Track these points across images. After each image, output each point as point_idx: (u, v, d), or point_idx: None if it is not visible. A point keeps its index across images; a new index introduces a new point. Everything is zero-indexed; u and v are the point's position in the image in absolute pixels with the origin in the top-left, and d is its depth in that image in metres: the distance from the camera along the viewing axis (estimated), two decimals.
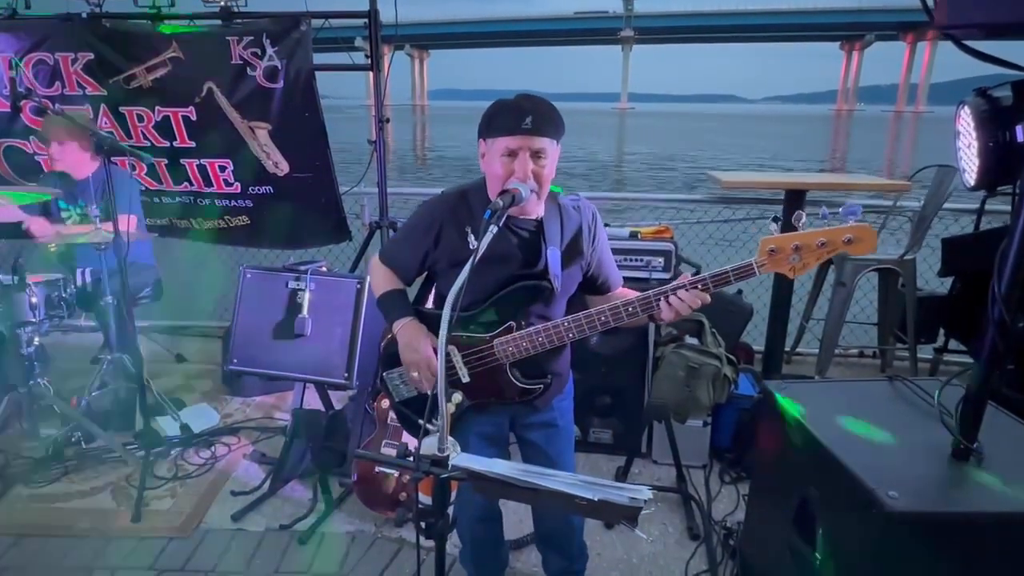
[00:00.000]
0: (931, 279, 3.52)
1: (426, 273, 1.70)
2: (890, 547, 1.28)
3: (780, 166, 21.23)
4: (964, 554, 1.29)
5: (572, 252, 1.59)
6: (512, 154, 1.43)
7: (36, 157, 3.46)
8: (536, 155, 1.43)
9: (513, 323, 1.55)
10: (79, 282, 2.91)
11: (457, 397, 1.62)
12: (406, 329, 1.62)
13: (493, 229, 1.31)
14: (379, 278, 1.70)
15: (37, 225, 2.84)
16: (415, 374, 1.60)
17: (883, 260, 3.16)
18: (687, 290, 1.42)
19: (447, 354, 1.55)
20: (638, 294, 1.50)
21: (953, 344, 3.40)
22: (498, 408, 1.67)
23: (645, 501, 1.00)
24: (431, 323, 1.60)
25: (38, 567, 2.15)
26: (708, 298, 1.43)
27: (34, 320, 2.66)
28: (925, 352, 3.49)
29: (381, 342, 1.75)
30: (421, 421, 1.31)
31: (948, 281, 3.29)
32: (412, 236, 1.62)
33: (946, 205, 3.16)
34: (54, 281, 2.79)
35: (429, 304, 1.70)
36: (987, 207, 3.19)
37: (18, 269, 2.64)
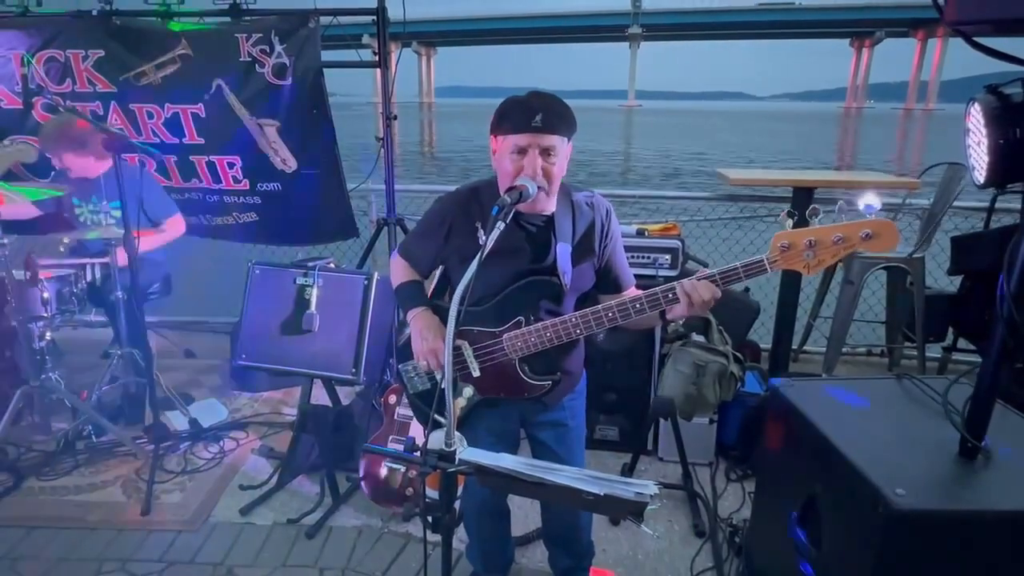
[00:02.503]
0: (940, 277, 3.50)
1: (443, 267, 1.72)
2: (896, 545, 1.28)
3: (788, 163, 21.11)
4: (971, 552, 1.28)
5: (583, 248, 1.59)
6: (522, 151, 1.44)
7: (47, 153, 3.49)
8: (546, 152, 1.44)
9: (522, 318, 1.56)
10: (90, 278, 2.94)
11: (468, 391, 1.63)
12: (419, 319, 1.64)
13: (500, 225, 1.32)
14: (397, 271, 1.74)
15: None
16: (423, 362, 1.62)
17: (891, 258, 3.15)
18: (695, 285, 1.41)
19: (459, 347, 1.57)
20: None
21: (962, 343, 3.38)
22: (508, 404, 1.68)
23: (651, 496, 1.00)
24: (446, 317, 1.62)
25: (49, 558, 2.17)
26: (719, 293, 1.41)
27: (45, 315, 2.69)
28: (934, 351, 3.47)
29: (397, 338, 1.77)
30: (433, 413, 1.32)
31: (957, 279, 3.27)
32: (426, 231, 1.66)
33: (956, 203, 3.13)
34: (65, 277, 2.82)
35: (446, 298, 1.72)
36: (997, 205, 3.17)
37: (30, 264, 2.67)
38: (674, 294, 1.43)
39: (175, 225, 3.08)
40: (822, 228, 1.33)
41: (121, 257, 2.83)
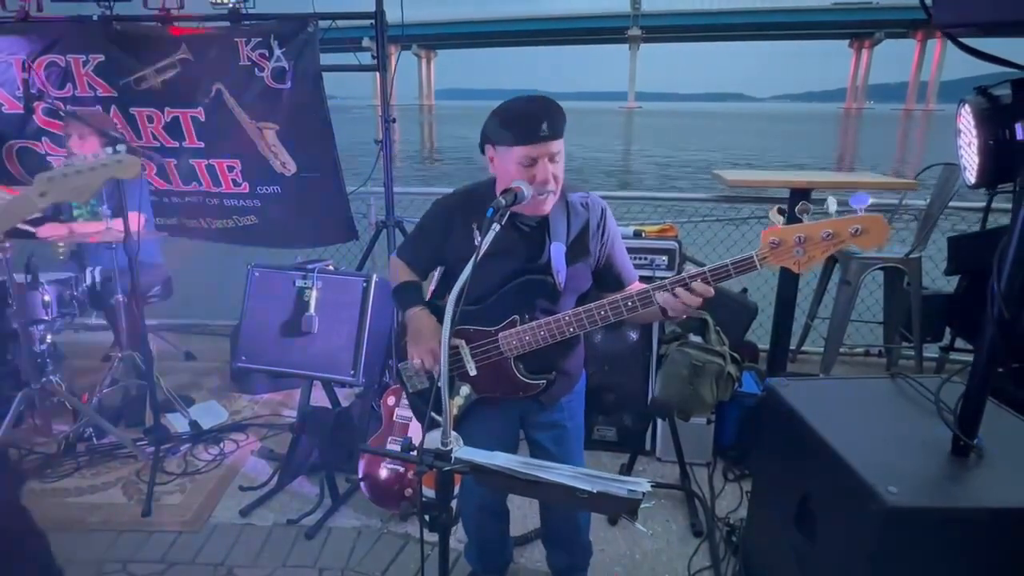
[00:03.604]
0: (937, 277, 3.51)
1: (443, 268, 1.74)
2: (890, 542, 1.29)
3: (788, 165, 21.12)
4: (963, 549, 1.30)
5: (578, 248, 1.60)
6: (532, 161, 1.45)
7: (48, 158, 3.51)
8: (553, 158, 1.46)
9: (517, 317, 1.57)
10: (90, 281, 2.96)
11: (465, 390, 1.64)
12: (415, 318, 1.66)
13: (496, 227, 1.33)
14: (396, 272, 1.76)
15: (47, 230, 2.88)
16: (417, 361, 1.63)
17: (888, 258, 3.16)
18: (686, 284, 1.41)
19: (456, 347, 1.59)
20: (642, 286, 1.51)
21: (960, 343, 3.39)
22: (507, 405, 1.69)
23: (644, 494, 1.02)
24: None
25: None
26: (711, 291, 1.41)
27: (47, 318, 2.71)
28: (932, 351, 3.48)
29: (398, 339, 1.78)
30: (432, 412, 1.34)
31: (954, 279, 3.29)
32: (424, 233, 1.69)
33: (953, 203, 3.15)
34: (66, 280, 2.84)
35: (446, 298, 1.74)
36: (994, 205, 3.18)
37: (31, 268, 2.68)
38: (664, 291, 1.43)
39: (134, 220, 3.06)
40: (811, 224, 1.32)
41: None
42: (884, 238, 1.29)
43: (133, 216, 2.86)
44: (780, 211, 1.39)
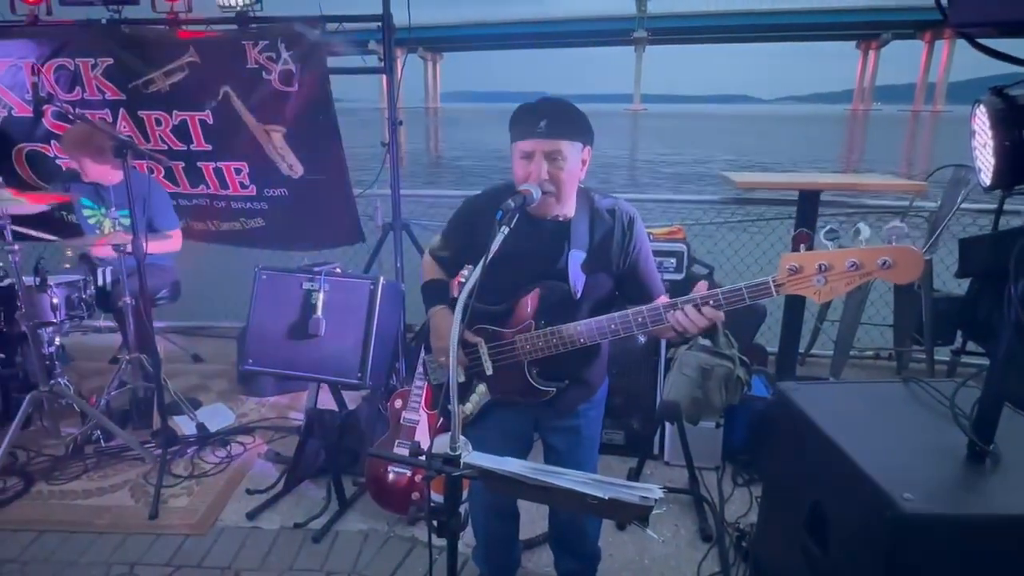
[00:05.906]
0: (948, 280, 3.47)
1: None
2: (904, 549, 1.27)
3: (795, 166, 21.03)
4: (979, 557, 1.27)
5: (598, 256, 1.58)
6: (528, 156, 1.45)
7: (57, 160, 3.53)
8: (551, 157, 1.45)
9: (532, 322, 1.57)
10: (98, 283, 2.97)
11: (481, 388, 1.64)
12: (437, 316, 1.68)
13: (504, 230, 1.33)
14: (425, 269, 1.78)
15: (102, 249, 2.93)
16: (443, 359, 1.65)
17: None
18: (697, 306, 1.39)
19: (475, 345, 1.59)
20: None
21: (971, 346, 3.35)
22: (521, 408, 1.68)
23: (656, 500, 1.00)
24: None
25: (58, 563, 2.19)
26: (722, 316, 1.38)
27: (55, 321, 2.72)
28: (942, 354, 3.44)
29: (406, 341, 1.79)
30: (449, 406, 1.34)
31: (965, 282, 3.25)
32: (450, 231, 1.72)
33: (964, 205, 3.11)
34: (74, 282, 2.85)
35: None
36: (1006, 207, 3.14)
37: (40, 271, 2.69)
38: (677, 308, 1.42)
39: (177, 237, 3.12)
40: (836, 252, 1.24)
41: (103, 250, 2.86)
42: (916, 273, 1.21)
43: (174, 233, 2.92)
44: (830, 233, 1.31)
